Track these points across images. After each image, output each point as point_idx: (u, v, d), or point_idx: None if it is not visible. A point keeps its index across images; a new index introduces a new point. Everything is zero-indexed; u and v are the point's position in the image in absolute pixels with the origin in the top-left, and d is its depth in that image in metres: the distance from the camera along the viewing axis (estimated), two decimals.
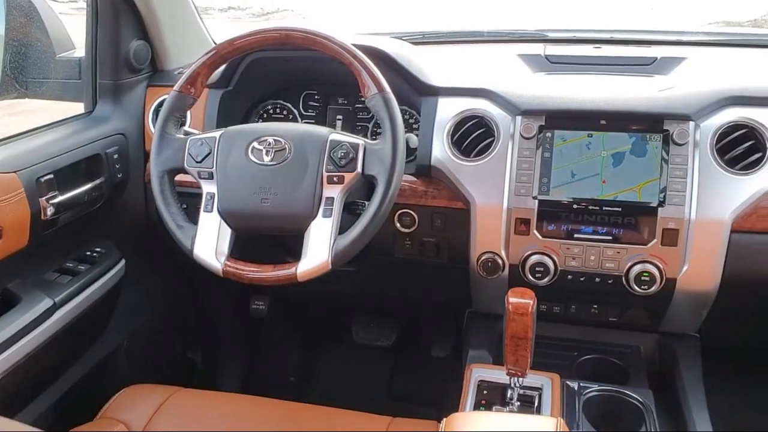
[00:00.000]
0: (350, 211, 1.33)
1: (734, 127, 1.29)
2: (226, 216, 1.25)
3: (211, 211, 1.26)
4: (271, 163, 1.24)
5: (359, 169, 1.22)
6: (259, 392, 1.36)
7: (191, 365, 2.04)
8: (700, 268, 1.30)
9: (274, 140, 1.25)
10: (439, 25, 1.93)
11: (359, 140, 1.24)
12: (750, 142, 1.29)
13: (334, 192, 1.22)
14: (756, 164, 1.28)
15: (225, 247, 1.25)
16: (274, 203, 1.23)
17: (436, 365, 2.01)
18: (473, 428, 0.96)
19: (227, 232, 1.26)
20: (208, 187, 1.27)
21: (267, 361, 2.13)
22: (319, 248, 1.21)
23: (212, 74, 1.35)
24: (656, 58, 1.51)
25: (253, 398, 1.33)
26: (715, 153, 1.29)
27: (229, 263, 1.23)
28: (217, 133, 1.28)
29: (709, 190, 1.28)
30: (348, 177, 1.22)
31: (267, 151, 1.25)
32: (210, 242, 1.25)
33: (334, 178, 1.22)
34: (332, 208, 1.22)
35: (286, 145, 1.24)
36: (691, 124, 1.29)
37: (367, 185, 1.27)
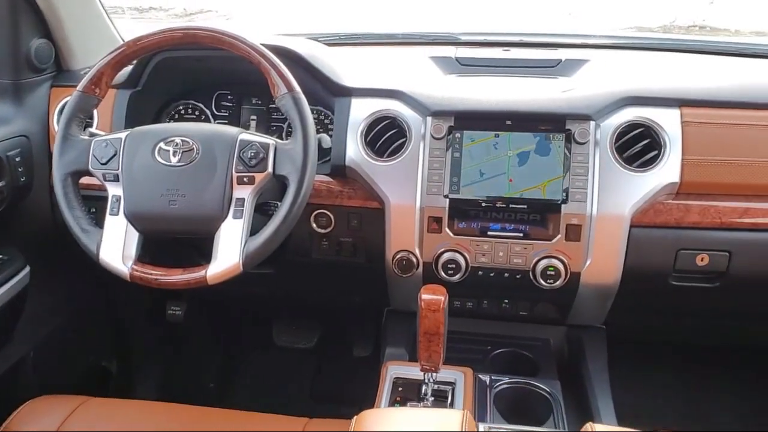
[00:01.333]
0: (262, 212, 1.33)
1: (632, 126, 1.36)
2: (133, 219, 1.22)
3: (117, 214, 1.23)
4: (179, 164, 1.22)
5: (270, 169, 1.22)
6: (177, 399, 1.33)
7: (106, 374, 1.97)
8: (602, 262, 1.36)
9: (182, 141, 1.23)
10: (358, 28, 1.94)
11: (270, 140, 1.24)
12: (646, 141, 1.35)
13: (244, 193, 1.21)
14: (652, 161, 1.34)
15: (132, 251, 1.22)
16: (183, 205, 1.21)
17: (358, 365, 2.02)
18: (381, 425, 0.97)
19: (134, 235, 1.23)
20: (113, 190, 1.24)
21: (185, 367, 2.08)
22: (230, 250, 1.20)
23: (118, 74, 1.32)
24: (561, 60, 1.57)
25: (167, 405, 1.30)
26: (615, 151, 1.35)
27: (136, 267, 1.21)
28: (122, 134, 1.25)
29: (609, 186, 1.33)
30: (259, 177, 1.22)
31: (174, 152, 1.23)
32: (116, 246, 1.22)
33: (245, 179, 1.21)
34: (243, 209, 1.21)
35: (194, 146, 1.23)
36: (592, 123, 1.35)
37: (279, 186, 1.27)
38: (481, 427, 0.98)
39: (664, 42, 1.80)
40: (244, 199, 1.21)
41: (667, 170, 1.33)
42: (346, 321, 2.06)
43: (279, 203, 1.22)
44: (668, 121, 1.34)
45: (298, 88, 1.23)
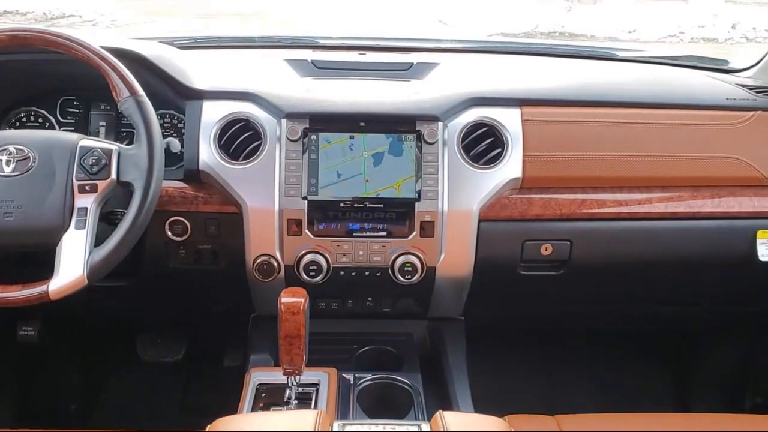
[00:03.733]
0: (109, 221, 1.28)
1: (476, 125, 1.42)
2: None
3: None
4: (14, 173, 1.15)
5: (114, 176, 1.17)
6: (36, 423, 1.25)
7: None
8: (455, 256, 1.41)
9: (16, 149, 1.17)
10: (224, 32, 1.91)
11: (113, 146, 1.19)
12: (491, 139, 1.42)
13: (87, 201, 1.16)
14: (496, 159, 1.41)
15: None
16: (18, 217, 1.14)
17: (228, 375, 1.98)
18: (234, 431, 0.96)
19: None
20: None
21: (44, 389, 1.96)
22: (73, 262, 1.15)
23: None
24: (413, 64, 1.62)
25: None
26: (461, 150, 1.41)
27: None
28: None
29: (458, 184, 1.39)
30: (102, 185, 1.17)
31: (8, 161, 1.16)
32: None
33: (86, 187, 1.16)
34: (86, 219, 1.16)
35: (30, 154, 1.16)
36: (440, 124, 1.40)
37: (126, 193, 1.22)
38: (336, 425, 0.99)
39: (509, 46, 1.91)
40: (86, 208, 1.16)
41: (510, 167, 1.41)
42: (214, 330, 2.02)
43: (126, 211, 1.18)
44: (510, 120, 1.42)
45: (141, 91, 1.20)
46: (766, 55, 1.67)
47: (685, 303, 1.67)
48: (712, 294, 1.63)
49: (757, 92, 1.55)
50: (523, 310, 1.70)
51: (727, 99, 1.51)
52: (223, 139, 1.40)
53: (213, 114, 1.41)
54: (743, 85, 1.60)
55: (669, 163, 1.44)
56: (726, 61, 1.83)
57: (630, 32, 7.25)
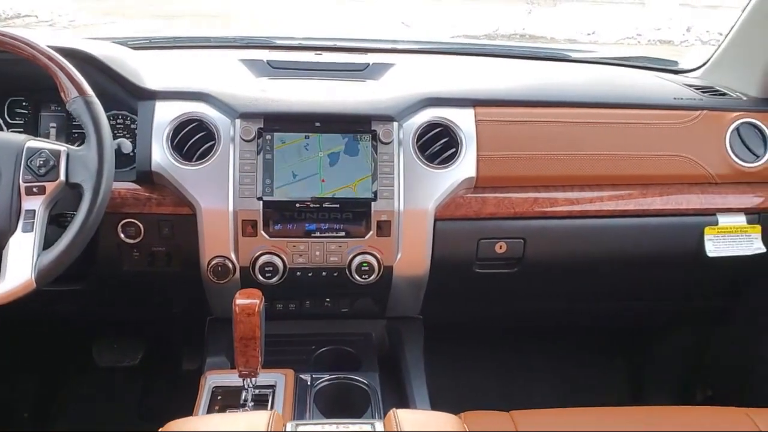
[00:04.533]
0: (58, 224, 1.25)
1: (431, 125, 1.43)
2: None
3: None
4: None
5: (62, 177, 1.15)
6: None
7: None
8: (412, 255, 1.42)
9: None
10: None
11: (61, 146, 1.17)
12: (445, 139, 1.43)
13: (35, 204, 1.14)
14: (451, 158, 1.42)
15: None
16: None
17: (187, 378, 1.96)
18: None
19: None
20: None
21: None
22: (20, 266, 1.12)
23: None
24: (369, 64, 1.62)
25: None
26: (417, 150, 1.41)
27: None
28: None
29: (413, 183, 1.40)
30: (50, 187, 1.15)
31: None
32: None
33: (34, 189, 1.14)
34: (34, 222, 1.14)
35: None
36: (395, 124, 1.41)
37: (76, 195, 1.20)
38: (289, 425, 0.99)
39: (464, 47, 1.93)
40: (34, 210, 1.14)
41: (465, 166, 1.42)
42: (172, 333, 1.99)
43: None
44: (463, 121, 1.44)
45: (90, 91, 1.18)
46: (712, 56, 1.72)
47: (637, 298, 1.71)
48: (662, 289, 1.67)
49: (703, 92, 1.60)
50: (480, 308, 1.72)
51: (675, 99, 1.55)
52: (176, 140, 1.39)
53: (166, 114, 1.40)
54: (691, 85, 1.64)
55: (619, 161, 1.47)
56: (675, 62, 1.87)
57: (589, 34, 7.38)
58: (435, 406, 1.43)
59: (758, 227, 1.51)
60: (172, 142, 1.38)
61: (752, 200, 1.52)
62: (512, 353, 2.02)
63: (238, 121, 1.38)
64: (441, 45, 1.91)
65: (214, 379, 1.33)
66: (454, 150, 1.43)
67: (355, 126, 1.40)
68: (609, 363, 2.04)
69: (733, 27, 1.61)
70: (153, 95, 1.41)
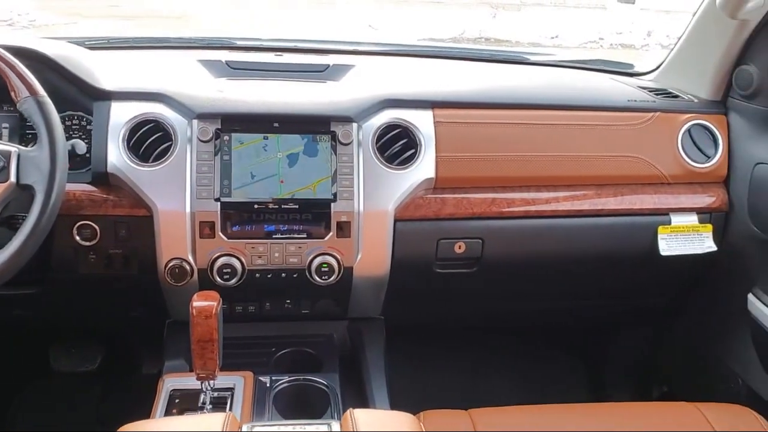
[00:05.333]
0: (9, 226, 1.23)
1: (390, 127, 1.44)
2: None
3: None
4: None
5: (13, 178, 1.13)
6: None
7: None
8: (372, 256, 1.43)
9: None
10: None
11: (11, 147, 1.15)
12: (404, 140, 1.44)
13: None
14: (410, 160, 1.43)
15: None
16: None
17: (147, 382, 1.93)
18: None
19: None
20: None
21: None
22: None
23: None
24: (329, 66, 1.62)
25: None
26: (376, 151, 1.42)
27: None
28: None
29: (373, 184, 1.40)
30: (0, 188, 1.12)
31: None
32: None
33: None
34: None
35: None
36: (354, 125, 1.41)
37: (28, 196, 1.18)
38: (245, 426, 0.99)
39: (425, 49, 1.94)
40: None
41: (424, 167, 1.43)
42: (132, 337, 1.96)
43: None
44: (422, 122, 1.45)
45: (41, 91, 1.16)
46: (665, 59, 1.76)
47: (593, 297, 1.74)
48: (618, 287, 1.70)
49: (656, 94, 1.64)
50: (441, 308, 1.73)
51: (629, 101, 1.58)
52: (133, 141, 1.37)
53: (121, 115, 1.38)
54: (645, 88, 1.68)
55: (574, 162, 1.50)
56: (631, 65, 1.91)
57: (552, 38, 7.48)
58: (396, 406, 1.43)
59: (710, 226, 1.55)
60: (128, 143, 1.37)
61: (704, 200, 1.56)
62: (474, 353, 2.04)
63: (195, 122, 1.37)
64: (401, 47, 1.92)
65: (172, 382, 1.31)
66: (413, 151, 1.44)
67: (314, 127, 1.40)
68: (569, 361, 2.07)
69: (684, 32, 1.65)
70: (108, 96, 1.40)
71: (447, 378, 1.97)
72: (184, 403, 1.27)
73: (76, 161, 1.38)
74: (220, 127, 1.37)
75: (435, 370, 1.97)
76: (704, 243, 1.54)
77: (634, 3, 8.47)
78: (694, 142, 1.55)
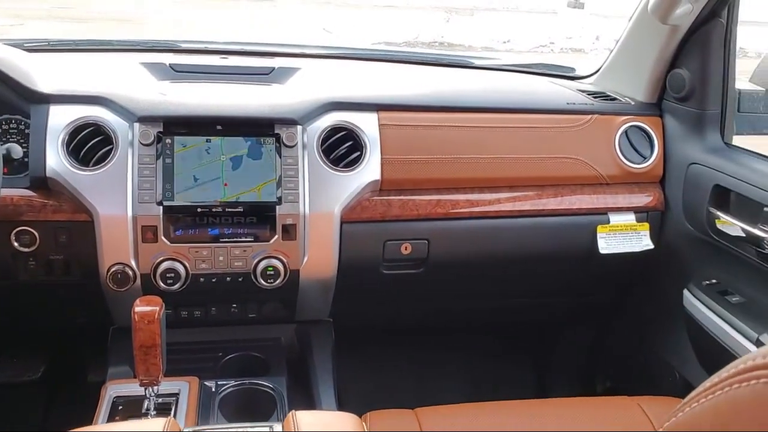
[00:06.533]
0: None
1: (335, 129, 1.45)
2: None
3: None
4: None
5: None
6: None
7: None
8: (318, 258, 1.43)
9: None
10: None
11: None
12: (350, 143, 1.45)
13: None
14: (356, 162, 1.45)
15: None
16: None
17: (93, 391, 1.89)
18: None
19: None
20: None
21: None
22: None
23: None
24: (274, 68, 1.63)
25: None
26: (321, 153, 1.43)
27: None
28: None
29: (319, 186, 1.41)
30: None
31: None
32: None
33: None
34: None
35: None
36: (299, 128, 1.42)
37: None
38: (187, 429, 0.98)
39: (371, 53, 1.96)
40: None
41: (370, 169, 1.44)
42: (77, 345, 1.92)
43: None
44: (367, 125, 1.46)
45: None
46: (604, 63, 1.81)
47: (538, 295, 1.78)
48: (561, 286, 1.74)
49: (595, 97, 1.68)
50: (389, 309, 1.75)
51: (568, 103, 1.62)
52: (72, 145, 1.35)
53: (60, 118, 1.36)
54: (584, 91, 1.73)
55: (515, 163, 1.53)
56: (572, 69, 1.96)
57: (505, 42, 7.61)
58: (344, 407, 1.44)
59: (646, 225, 1.60)
60: (67, 147, 1.35)
61: (641, 199, 1.61)
62: (423, 353, 2.05)
63: (136, 125, 1.36)
64: (348, 50, 1.94)
65: (116, 389, 1.30)
66: (358, 153, 1.45)
67: (258, 129, 1.40)
68: (516, 358, 2.11)
69: (620, 36, 1.70)
70: (47, 99, 1.37)
71: (397, 379, 1.98)
72: (128, 409, 1.26)
73: (14, 166, 1.36)
74: (162, 130, 1.36)
75: (385, 372, 1.98)
76: (642, 241, 1.59)
77: (583, 8, 8.68)
78: (631, 144, 1.60)
